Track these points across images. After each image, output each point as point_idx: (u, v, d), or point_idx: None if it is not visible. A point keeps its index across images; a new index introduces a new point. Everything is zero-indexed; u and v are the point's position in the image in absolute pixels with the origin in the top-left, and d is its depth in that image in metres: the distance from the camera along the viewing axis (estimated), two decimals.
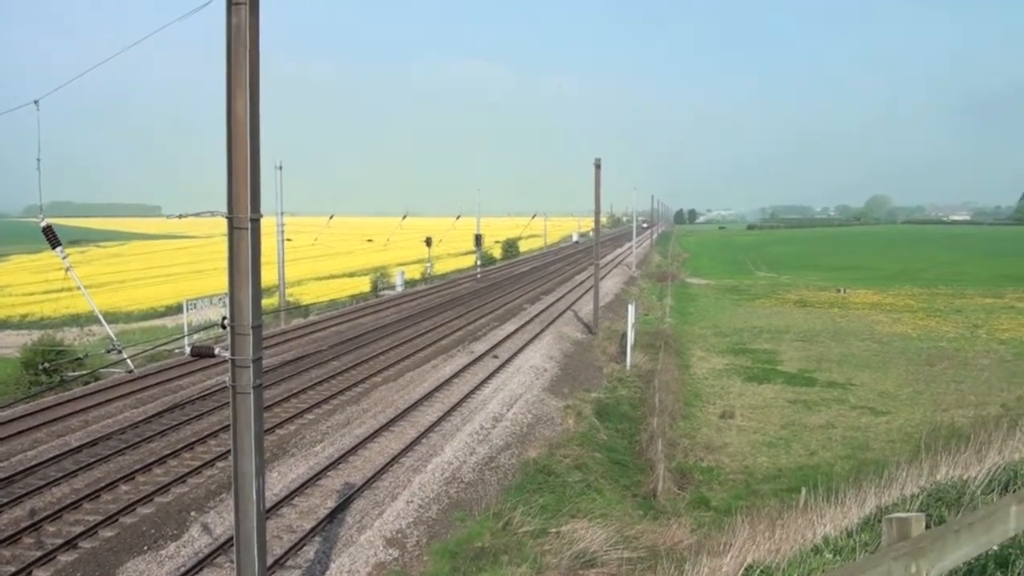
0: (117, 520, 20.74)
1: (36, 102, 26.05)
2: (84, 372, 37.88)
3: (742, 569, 12.49)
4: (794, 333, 56.00)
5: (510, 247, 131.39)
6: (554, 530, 19.79)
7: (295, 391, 33.64)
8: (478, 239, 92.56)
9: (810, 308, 70.69)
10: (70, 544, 19.29)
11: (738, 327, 59.30)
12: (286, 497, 21.92)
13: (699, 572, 13.43)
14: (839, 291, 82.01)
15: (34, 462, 25.11)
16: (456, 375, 36.85)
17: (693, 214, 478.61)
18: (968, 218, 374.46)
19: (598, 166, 51.96)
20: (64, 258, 40.93)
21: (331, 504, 21.58)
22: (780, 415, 34.45)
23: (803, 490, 17.58)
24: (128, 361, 37.73)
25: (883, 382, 40.39)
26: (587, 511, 21.13)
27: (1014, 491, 10.67)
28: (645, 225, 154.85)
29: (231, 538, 14.49)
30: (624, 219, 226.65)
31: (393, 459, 25.11)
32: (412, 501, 21.79)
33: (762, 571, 11.90)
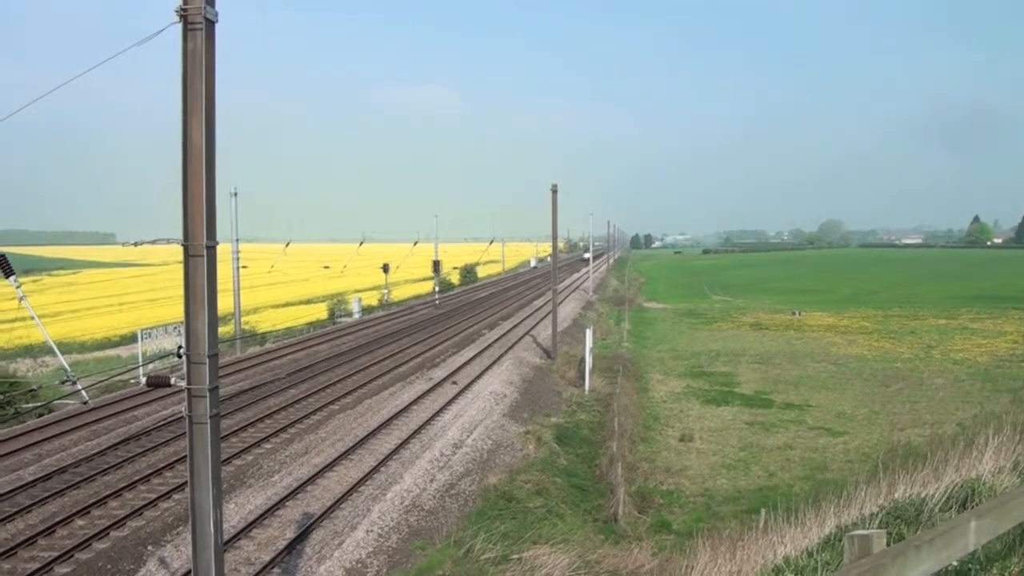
0: (72, 556, 20.31)
1: None
2: (38, 404, 37.20)
3: None
4: (751, 356, 56.52)
5: (468, 272, 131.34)
6: (516, 556, 19.68)
7: (252, 420, 33.26)
8: (436, 265, 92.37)
9: (766, 331, 71.41)
10: None
11: (695, 350, 59.72)
12: (244, 528, 21.61)
13: None
14: (794, 314, 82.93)
15: None
16: (415, 402, 36.67)
17: (649, 239, 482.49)
18: (920, 241, 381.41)
19: (554, 191, 52.24)
20: (17, 287, 40.25)
21: (290, 535, 21.31)
22: (738, 437, 34.68)
23: (763, 511, 17.68)
24: (83, 392, 37.11)
25: (840, 403, 40.84)
26: (548, 536, 21.04)
27: (972, 507, 10.80)
28: (586, 257, 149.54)
29: (188, 572, 14.27)
30: (581, 244, 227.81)
31: (352, 488, 24.88)
32: (372, 530, 21.60)
33: None
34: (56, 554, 20.19)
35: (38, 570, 19.34)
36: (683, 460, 31.60)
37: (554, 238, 57.10)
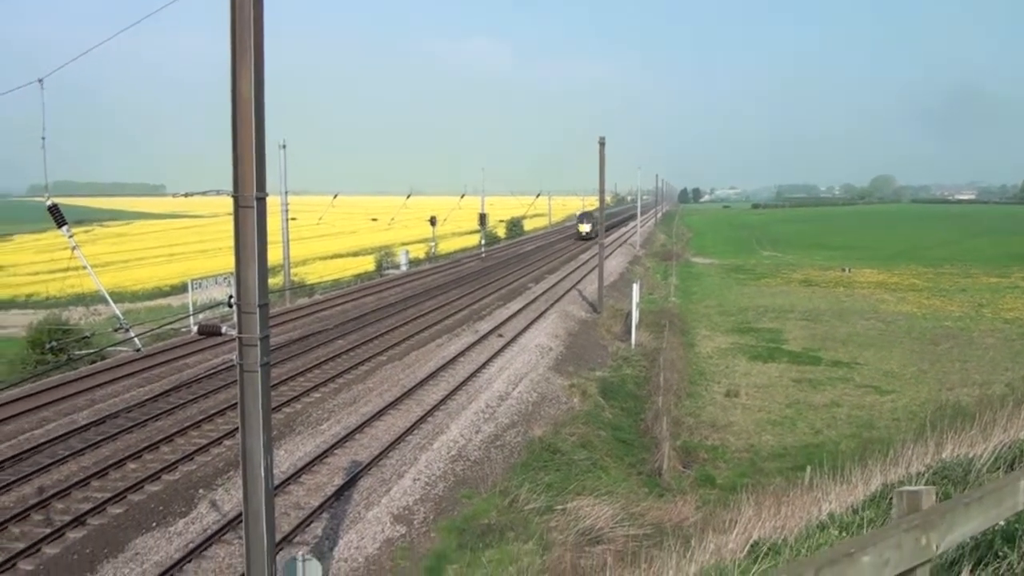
0: (125, 497, 20.88)
1: (40, 80, 25.94)
2: (91, 351, 37.95)
3: (748, 545, 12.54)
4: (799, 312, 56.01)
5: (515, 226, 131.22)
6: (560, 507, 19.89)
7: (301, 370, 33.73)
8: (482, 218, 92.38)
9: (815, 287, 70.67)
10: (78, 521, 19.43)
11: (743, 306, 59.32)
12: (293, 475, 22.04)
13: (705, 549, 13.47)
14: (844, 270, 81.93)
15: (41, 440, 25.25)
16: (461, 354, 36.92)
17: (698, 193, 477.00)
18: (974, 197, 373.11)
19: (602, 144, 51.83)
20: (70, 237, 40.91)
21: (338, 481, 21.69)
22: (785, 394, 34.51)
23: (808, 468, 17.63)
24: (135, 340, 37.79)
25: (888, 361, 40.42)
26: (592, 488, 21.22)
27: (1021, 467, 10.69)
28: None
29: (239, 515, 14.59)
30: (628, 198, 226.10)
31: (399, 437, 25.22)
32: (419, 479, 21.90)
33: (769, 548, 11.95)
34: (109, 495, 20.76)
35: (91, 510, 19.93)
36: (728, 416, 31.55)
37: (601, 192, 56.78)
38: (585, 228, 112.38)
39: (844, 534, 11.00)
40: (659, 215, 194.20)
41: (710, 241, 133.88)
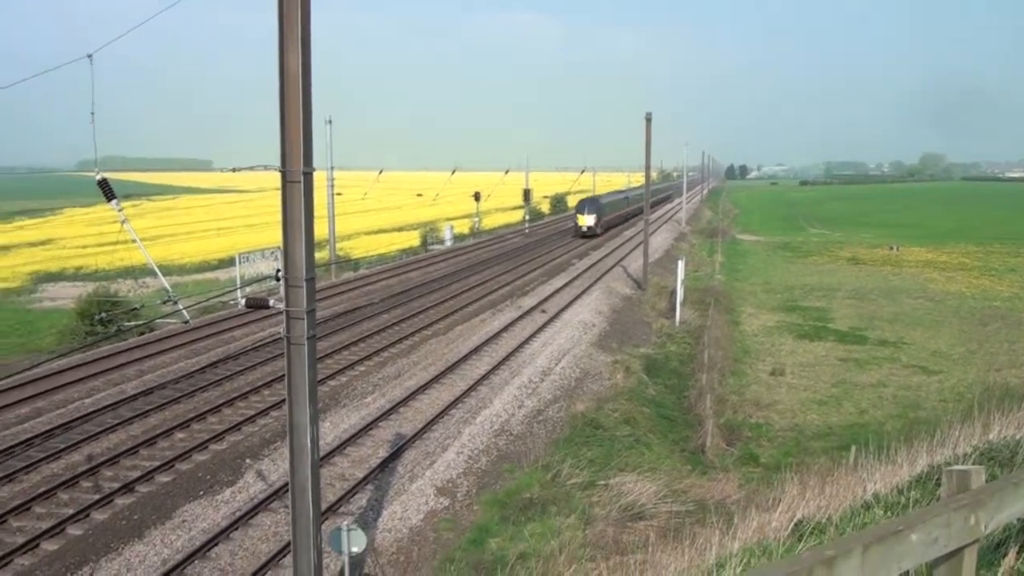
0: (173, 466, 21.26)
1: (90, 56, 26.22)
2: (139, 323, 38.56)
3: (791, 524, 12.49)
4: (846, 291, 55.40)
5: (559, 202, 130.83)
6: (602, 483, 19.93)
7: (346, 343, 34.02)
8: (526, 194, 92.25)
9: (863, 265, 69.84)
10: (127, 488, 19.84)
11: (789, 284, 58.80)
12: (339, 446, 22.29)
13: (748, 526, 13.44)
14: (892, 248, 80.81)
15: (91, 409, 25.77)
16: (505, 329, 37.01)
17: (744, 169, 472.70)
18: None
19: (648, 120, 51.49)
20: (119, 211, 41.49)
21: (383, 454, 21.91)
22: (831, 373, 34.20)
23: (853, 448, 17.51)
24: (183, 312, 38.32)
25: (935, 341, 39.88)
26: (635, 465, 21.24)
27: None
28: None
29: (285, 485, 14.82)
30: (675, 174, 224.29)
31: (443, 411, 25.38)
32: (462, 452, 22.05)
33: (813, 527, 11.89)
34: (157, 464, 21.17)
35: (140, 478, 20.33)
36: (773, 394, 31.35)
37: (647, 168, 56.41)
38: (588, 221, 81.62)
39: (889, 514, 10.93)
40: (705, 192, 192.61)
41: (757, 218, 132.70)
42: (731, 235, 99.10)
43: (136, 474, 20.64)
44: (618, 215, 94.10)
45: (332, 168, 58.32)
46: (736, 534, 12.98)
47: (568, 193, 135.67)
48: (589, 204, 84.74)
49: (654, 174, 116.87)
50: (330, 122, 56.63)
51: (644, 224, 55.42)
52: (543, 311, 41.65)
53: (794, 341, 40.24)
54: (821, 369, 34.82)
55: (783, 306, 50.02)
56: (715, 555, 12.22)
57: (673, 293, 45.70)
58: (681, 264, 45.07)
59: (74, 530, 17.95)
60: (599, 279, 53.19)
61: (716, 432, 25.37)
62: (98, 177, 39.53)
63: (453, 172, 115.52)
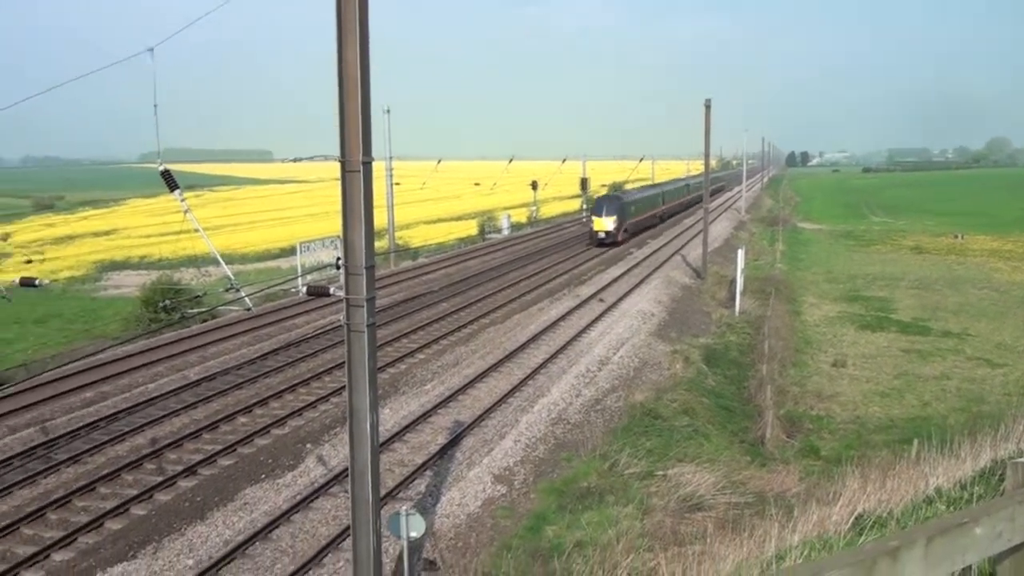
0: (235, 450, 21.67)
1: (151, 50, 26.73)
2: (202, 310, 39.26)
3: (852, 518, 12.35)
4: (909, 280, 54.38)
5: (617, 190, 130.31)
6: (660, 473, 19.87)
7: (405, 331, 34.28)
8: (584, 182, 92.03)
9: (926, 254, 68.49)
10: (190, 470, 20.27)
11: (851, 273, 57.91)
12: (398, 432, 22.50)
13: (808, 519, 13.32)
14: (957, 237, 79.09)
15: (154, 394, 26.35)
16: (562, 318, 36.99)
17: (806, 156, 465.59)
18: None
19: (708, 107, 50.98)
20: (182, 200, 42.28)
21: (441, 440, 22.07)
22: (893, 364, 33.65)
23: (915, 441, 17.23)
24: (246, 300, 38.92)
25: (1000, 332, 39.00)
26: (694, 455, 21.14)
27: None
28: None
29: (345, 469, 14.98)
30: (734, 162, 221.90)
31: (501, 399, 25.48)
32: (519, 440, 22.12)
33: (874, 521, 11.75)
34: (220, 447, 21.59)
35: (202, 461, 20.75)
36: (835, 386, 30.95)
37: (706, 155, 55.90)
38: (606, 224, 63.89)
39: (951, 509, 10.76)
40: (766, 179, 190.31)
41: (818, 206, 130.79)
42: (792, 223, 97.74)
43: (199, 457, 21.07)
44: (649, 216, 76.66)
45: (391, 158, 58.76)
46: (796, 527, 12.88)
47: (626, 182, 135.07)
48: (607, 203, 66.48)
49: (713, 162, 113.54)
50: (388, 112, 57.02)
51: (704, 212, 54.96)
52: (601, 300, 41.54)
53: (856, 332, 39.65)
54: (883, 360, 34.27)
55: (845, 296, 49.30)
56: (774, 547, 12.14)
57: (733, 282, 45.28)
58: (741, 253, 44.62)
59: (138, 510, 18.40)
60: (658, 268, 52.90)
61: (776, 423, 25.13)
62: (161, 168, 40.41)
63: (510, 161, 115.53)
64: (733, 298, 43.22)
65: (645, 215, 74.64)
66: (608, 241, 63.33)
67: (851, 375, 32.26)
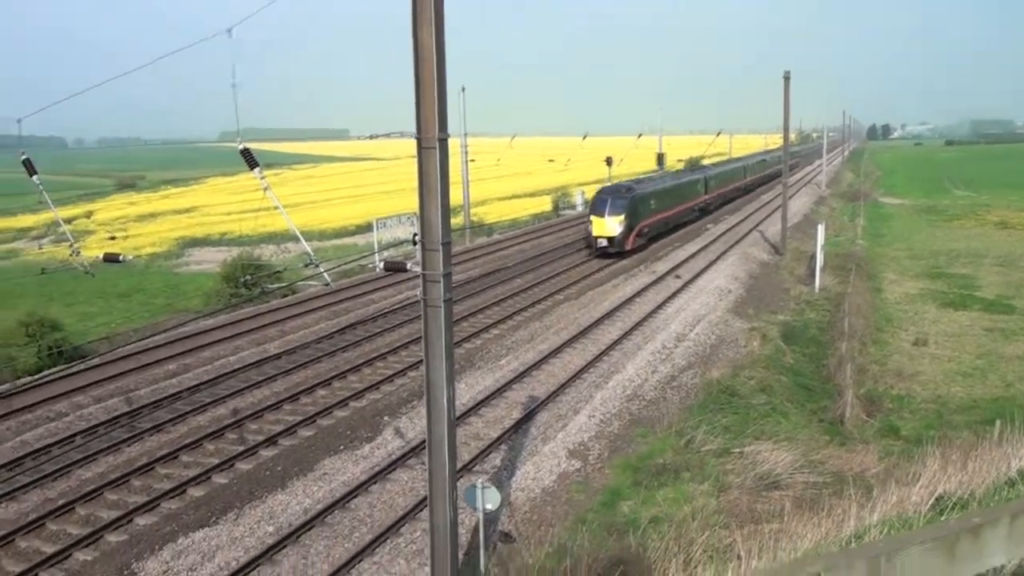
0: (315, 421, 22.16)
1: (229, 31, 27.12)
2: (281, 285, 40.00)
3: (932, 499, 12.18)
4: (993, 257, 52.83)
5: (693, 166, 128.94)
6: (737, 450, 19.74)
7: (480, 307, 34.51)
8: (660, 158, 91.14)
9: (1012, 230, 66.39)
10: (271, 441, 20.78)
11: (934, 250, 56.49)
12: (474, 407, 22.73)
13: (887, 500, 13.16)
14: None
15: (235, 367, 27.03)
16: (637, 294, 36.84)
17: (887, 129, 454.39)
18: None
19: (787, 79, 50.01)
20: (262, 178, 43.02)
21: (516, 415, 22.23)
22: (976, 344, 32.80)
23: (998, 422, 16.90)
24: (325, 275, 39.51)
25: None
26: (771, 433, 20.94)
27: None
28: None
29: (422, 442, 15.22)
30: (814, 136, 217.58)
31: (575, 375, 25.53)
32: (594, 416, 22.16)
33: (955, 502, 11.58)
34: (299, 419, 22.08)
35: (284, 431, 21.25)
36: (915, 365, 30.30)
37: (785, 129, 54.92)
38: (609, 228, 47.63)
39: None
40: (846, 153, 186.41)
41: (900, 180, 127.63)
42: (873, 198, 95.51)
43: (279, 428, 21.59)
44: (678, 211, 59.32)
45: (465, 135, 58.96)
46: (875, 507, 12.74)
47: (703, 157, 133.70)
48: (612, 198, 48.56)
49: (792, 136, 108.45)
50: (464, 90, 57.20)
51: (783, 187, 54.10)
52: (677, 276, 41.27)
53: (938, 310, 38.72)
54: (966, 339, 33.43)
55: (927, 273, 48.14)
56: (853, 527, 12.03)
57: (812, 259, 44.53)
58: (821, 228, 43.82)
59: (219, 478, 18.94)
60: (735, 244, 52.30)
61: (856, 402, 24.73)
62: (240, 147, 41.15)
63: (584, 137, 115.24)
64: (812, 274, 42.52)
65: (672, 211, 57.11)
66: (612, 251, 47.02)
67: (932, 354, 31.55)
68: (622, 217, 46.84)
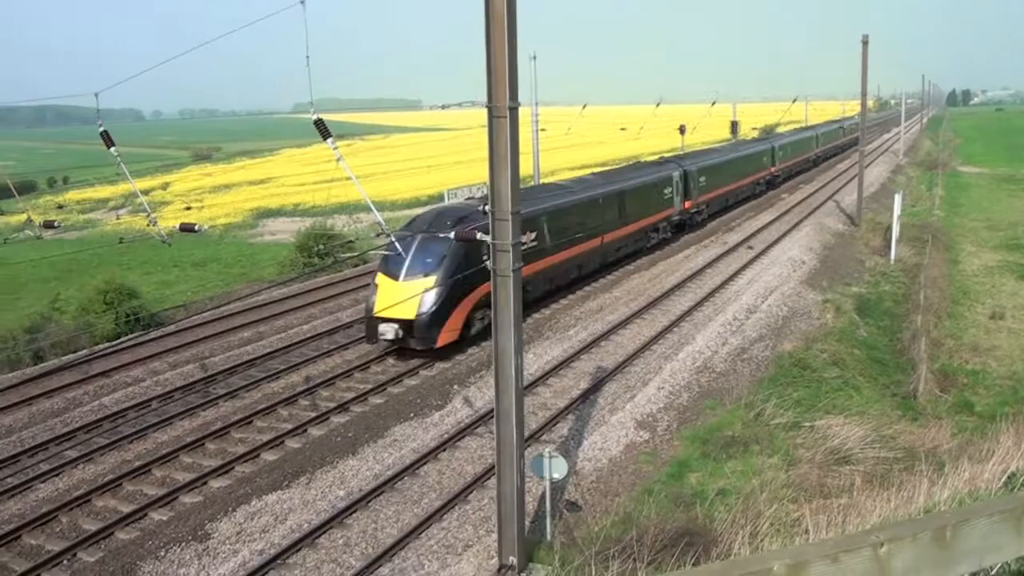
0: (385, 389, 22.51)
1: (302, 1, 27.37)
2: (354, 255, 40.47)
3: (1004, 476, 12.00)
4: None
5: (768, 133, 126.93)
6: (808, 424, 19.58)
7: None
8: (734, 126, 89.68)
9: None
10: (342, 407, 21.21)
11: (1014, 220, 54.88)
12: (541, 377, 22.86)
13: (959, 476, 13.00)
14: None
15: (308, 335, 27.57)
16: (709, 265, 36.56)
17: (967, 95, 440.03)
18: None
19: (865, 43, 48.81)
20: (335, 148, 43.38)
21: (584, 385, 22.31)
22: None
23: None
24: (396, 244, 39.87)
25: None
26: (843, 408, 20.71)
27: None
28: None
29: (490, 411, 15.39)
30: (892, 102, 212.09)
31: (644, 346, 25.50)
32: (663, 387, 22.13)
33: None
34: (371, 386, 22.49)
35: (354, 399, 21.64)
36: (992, 339, 29.63)
37: (863, 95, 53.71)
38: (418, 301, 24.08)
39: None
40: (925, 120, 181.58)
41: (980, 148, 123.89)
42: (952, 167, 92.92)
43: (351, 395, 22.00)
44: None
45: (536, 104, 58.72)
46: (946, 483, 12.60)
47: (778, 124, 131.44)
48: (423, 239, 26.46)
49: (871, 102, 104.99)
50: (535, 58, 56.90)
51: (859, 156, 53.03)
52: (750, 247, 40.84)
53: (1016, 282, 37.72)
54: None
55: (1006, 244, 46.85)
56: (923, 503, 11.92)
57: (888, 230, 43.65)
58: (897, 198, 42.89)
59: (292, 443, 19.40)
60: (810, 214, 51.49)
61: (929, 377, 24.33)
62: (314, 118, 41.55)
63: (657, 105, 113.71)
64: (888, 246, 41.73)
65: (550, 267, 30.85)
66: (417, 346, 24.82)
67: (1010, 328, 30.81)
68: (434, 279, 24.87)
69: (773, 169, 65.02)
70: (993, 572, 5.17)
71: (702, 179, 46.91)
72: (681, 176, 44.12)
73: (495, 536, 13.71)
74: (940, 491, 11.97)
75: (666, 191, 42.17)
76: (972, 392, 24.69)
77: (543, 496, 14.70)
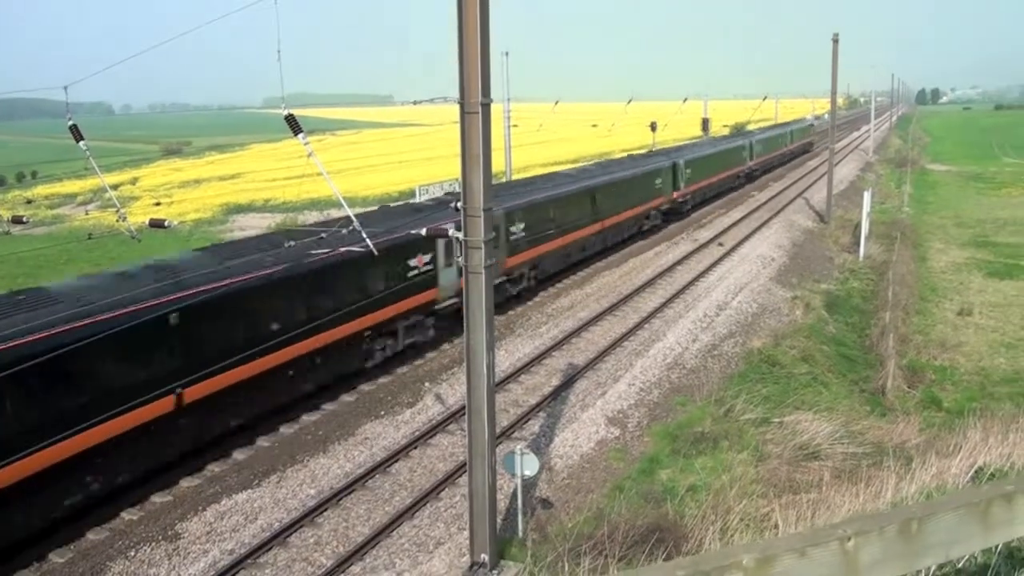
0: (356, 387, 22.36)
1: None
2: (326, 251, 40.21)
3: (972, 471, 12.14)
4: None
5: (738, 131, 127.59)
6: (777, 420, 19.73)
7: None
8: (705, 123, 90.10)
9: None
10: (313, 406, 21.09)
11: (981, 218, 55.59)
12: (513, 374, 22.85)
13: (927, 471, 13.12)
14: None
15: None
16: (679, 262, 36.69)
17: (936, 93, 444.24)
18: None
19: (835, 41, 49.18)
20: (306, 144, 43.13)
21: (555, 382, 22.32)
22: (1022, 314, 32.35)
23: None
24: (368, 241, 39.68)
25: None
26: (812, 404, 20.89)
27: None
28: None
29: (462, 408, 15.38)
30: (862, 100, 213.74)
31: (615, 343, 25.55)
32: (633, 384, 22.20)
33: (993, 473, 11.53)
34: (342, 384, 22.29)
35: (326, 396, 21.45)
36: (959, 335, 29.98)
37: (833, 93, 54.11)
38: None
39: None
40: (894, 118, 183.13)
41: (948, 147, 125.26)
42: (920, 165, 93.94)
43: (328, 393, 21.85)
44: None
45: (508, 100, 58.67)
46: (914, 478, 12.72)
47: (748, 122, 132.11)
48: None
49: (840, 100, 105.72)
50: (507, 55, 56.85)
51: (829, 154, 53.44)
52: (720, 244, 41.02)
53: (984, 279, 38.20)
54: (1012, 310, 32.98)
55: (973, 241, 47.43)
56: (891, 497, 12.03)
57: (857, 227, 44.03)
58: (867, 196, 43.28)
59: (263, 442, 19.27)
60: (780, 212, 51.78)
61: (898, 373, 24.59)
62: (285, 113, 41.31)
63: (629, 102, 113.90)
64: (857, 243, 42.09)
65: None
66: None
67: (977, 324, 31.19)
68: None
69: (751, 163, 66.67)
70: (959, 564, 5.21)
71: (688, 171, 48.68)
72: (671, 168, 46.45)
73: (467, 533, 13.70)
74: (908, 486, 12.08)
75: (658, 181, 44.44)
76: (940, 388, 24.98)
77: (515, 493, 14.72)
